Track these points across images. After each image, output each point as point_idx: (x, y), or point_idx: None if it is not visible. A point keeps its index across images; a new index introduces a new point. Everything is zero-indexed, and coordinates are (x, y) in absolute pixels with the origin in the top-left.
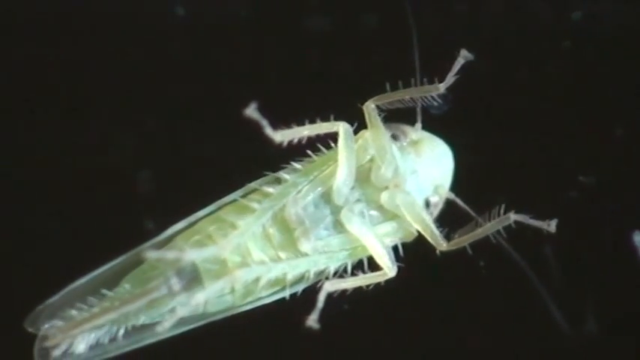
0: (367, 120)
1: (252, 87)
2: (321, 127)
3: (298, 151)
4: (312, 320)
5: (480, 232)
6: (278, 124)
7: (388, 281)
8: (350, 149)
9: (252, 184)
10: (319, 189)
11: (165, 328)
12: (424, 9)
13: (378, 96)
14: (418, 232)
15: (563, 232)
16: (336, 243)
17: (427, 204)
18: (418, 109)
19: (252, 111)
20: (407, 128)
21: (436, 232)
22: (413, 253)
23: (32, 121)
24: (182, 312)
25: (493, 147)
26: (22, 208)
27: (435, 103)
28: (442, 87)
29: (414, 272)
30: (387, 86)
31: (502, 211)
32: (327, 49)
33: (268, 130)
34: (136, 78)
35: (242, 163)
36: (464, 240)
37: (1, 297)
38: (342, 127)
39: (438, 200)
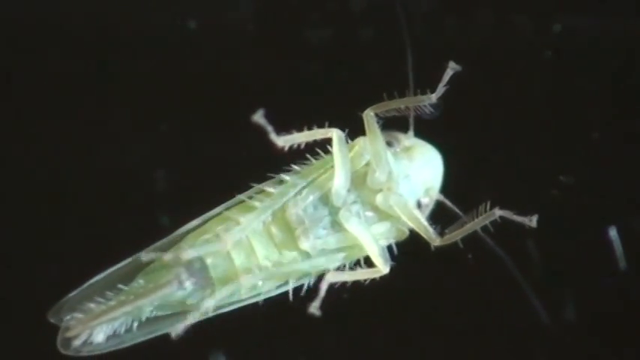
0: (366, 127)
1: (258, 95)
2: (317, 133)
3: (299, 154)
4: (314, 307)
5: (468, 228)
6: (282, 130)
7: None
8: (343, 154)
9: (257, 186)
10: (318, 192)
11: (178, 332)
12: (416, 24)
13: (376, 105)
14: (411, 230)
15: (544, 227)
16: (333, 241)
17: (419, 205)
18: (411, 119)
19: (258, 117)
20: (400, 135)
21: (429, 229)
22: (407, 246)
23: (63, 123)
24: (193, 317)
25: (480, 149)
26: (46, 209)
27: (427, 112)
28: (434, 97)
29: (407, 265)
30: (385, 96)
31: (488, 207)
32: (328, 61)
33: (272, 136)
34: (153, 85)
35: (248, 164)
36: (455, 235)
37: (26, 292)
38: (335, 134)
39: (428, 201)
